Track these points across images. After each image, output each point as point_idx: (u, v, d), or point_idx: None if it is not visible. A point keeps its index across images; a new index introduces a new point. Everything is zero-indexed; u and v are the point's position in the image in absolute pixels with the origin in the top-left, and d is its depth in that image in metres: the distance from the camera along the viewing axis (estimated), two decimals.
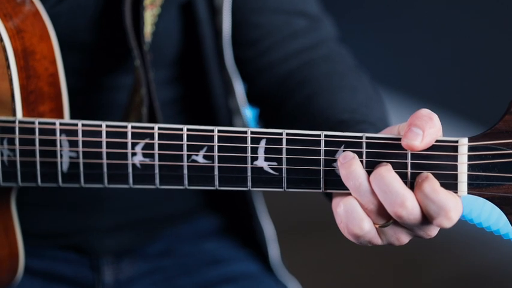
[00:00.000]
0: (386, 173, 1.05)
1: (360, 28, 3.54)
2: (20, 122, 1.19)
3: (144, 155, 1.15)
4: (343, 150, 1.09)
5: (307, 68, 1.39)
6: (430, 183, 1.05)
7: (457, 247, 3.00)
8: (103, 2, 1.34)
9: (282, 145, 1.11)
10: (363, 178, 1.06)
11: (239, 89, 1.44)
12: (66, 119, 1.26)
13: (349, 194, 1.08)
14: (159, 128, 1.15)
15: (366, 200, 1.06)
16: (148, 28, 1.32)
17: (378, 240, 1.09)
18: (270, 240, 1.53)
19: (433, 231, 1.09)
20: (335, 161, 1.10)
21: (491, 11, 3.20)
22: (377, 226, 1.08)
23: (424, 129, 1.05)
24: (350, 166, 1.07)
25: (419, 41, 3.43)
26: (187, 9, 1.40)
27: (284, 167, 1.11)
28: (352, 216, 1.07)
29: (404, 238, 1.10)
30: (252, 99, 1.46)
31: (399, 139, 1.07)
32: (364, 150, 1.09)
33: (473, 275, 2.91)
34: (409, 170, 1.07)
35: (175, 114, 1.45)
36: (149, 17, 1.32)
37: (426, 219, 1.05)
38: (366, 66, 1.49)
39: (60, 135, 1.18)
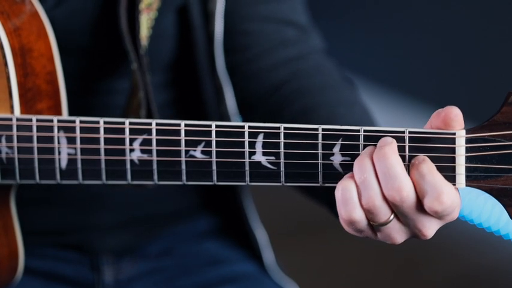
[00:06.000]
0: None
1: (359, 28, 3.54)
2: (17, 119, 1.19)
3: (142, 151, 1.15)
4: (341, 144, 1.09)
5: (298, 78, 1.39)
6: (428, 165, 1.05)
7: (457, 247, 3.00)
8: (100, 6, 1.34)
9: (279, 139, 1.11)
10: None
11: (230, 96, 1.44)
12: (65, 116, 1.26)
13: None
14: (157, 124, 1.15)
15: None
16: (144, 32, 1.32)
17: (371, 235, 1.10)
18: (263, 246, 1.52)
19: (428, 230, 1.09)
20: (333, 154, 1.10)
21: (487, 9, 3.21)
22: (375, 224, 1.08)
23: None
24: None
25: (415, 40, 3.43)
26: (182, 13, 1.40)
27: (282, 161, 1.11)
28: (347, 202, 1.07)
29: (399, 237, 1.10)
30: (241, 108, 1.46)
31: (397, 132, 1.08)
32: (361, 143, 1.09)
33: (473, 275, 2.90)
34: (407, 163, 1.07)
35: (170, 118, 1.45)
36: (146, 20, 1.32)
37: (420, 203, 1.06)
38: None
39: (58, 132, 1.18)
